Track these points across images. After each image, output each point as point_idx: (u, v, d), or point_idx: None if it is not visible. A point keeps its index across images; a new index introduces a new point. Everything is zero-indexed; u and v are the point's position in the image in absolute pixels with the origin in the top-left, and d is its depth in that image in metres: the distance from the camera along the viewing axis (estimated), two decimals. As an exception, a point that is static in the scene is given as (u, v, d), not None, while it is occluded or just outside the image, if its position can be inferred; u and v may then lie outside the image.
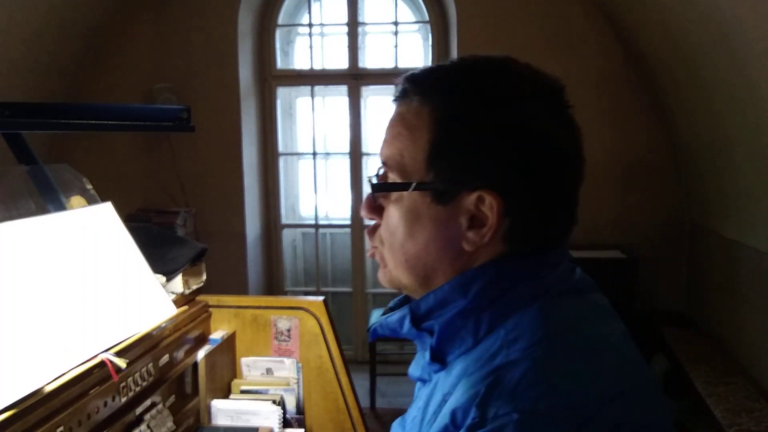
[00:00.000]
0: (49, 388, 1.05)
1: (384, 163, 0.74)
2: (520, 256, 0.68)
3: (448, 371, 0.68)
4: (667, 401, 0.67)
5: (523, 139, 0.65)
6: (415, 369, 0.77)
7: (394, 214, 0.72)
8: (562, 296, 0.68)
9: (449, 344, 0.68)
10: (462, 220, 0.68)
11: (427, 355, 0.70)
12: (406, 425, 0.79)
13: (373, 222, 0.77)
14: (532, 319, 0.63)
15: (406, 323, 0.71)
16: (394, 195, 0.72)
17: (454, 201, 0.67)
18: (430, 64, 0.79)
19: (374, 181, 0.75)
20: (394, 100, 0.74)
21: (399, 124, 0.71)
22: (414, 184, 0.69)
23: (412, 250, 0.71)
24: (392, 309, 0.77)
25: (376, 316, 3.90)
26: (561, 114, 0.69)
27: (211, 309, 1.67)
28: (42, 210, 1.36)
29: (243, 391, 1.65)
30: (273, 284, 4.63)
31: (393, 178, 0.72)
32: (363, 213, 0.76)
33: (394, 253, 0.73)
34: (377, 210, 0.75)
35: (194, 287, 1.65)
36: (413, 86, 0.71)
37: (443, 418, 0.61)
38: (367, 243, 0.77)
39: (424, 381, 0.76)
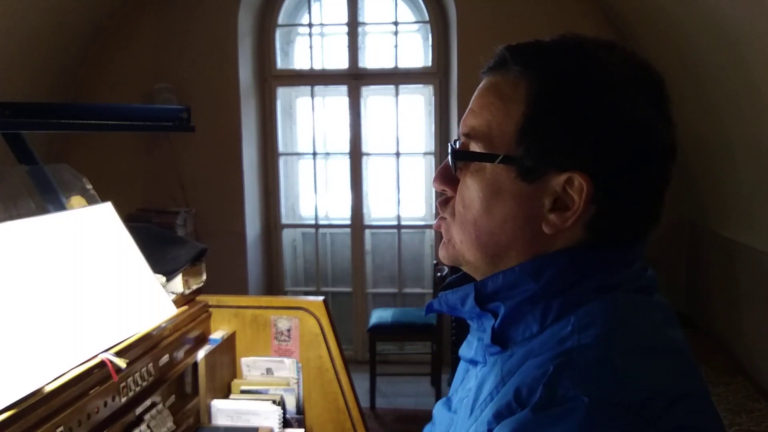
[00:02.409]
0: (49, 388, 1.05)
1: (467, 135, 0.69)
2: (597, 248, 0.65)
3: (508, 354, 0.66)
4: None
5: (623, 126, 0.62)
6: (467, 350, 0.75)
7: (472, 186, 0.68)
8: (635, 293, 0.66)
9: (513, 328, 0.65)
10: (546, 200, 0.64)
11: (487, 337, 0.67)
12: (453, 405, 0.77)
13: (447, 193, 0.73)
14: (606, 310, 0.62)
15: (470, 301, 0.68)
16: (475, 166, 0.68)
17: (541, 179, 0.64)
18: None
19: (455, 148, 0.70)
20: (488, 70, 0.70)
21: (492, 93, 0.68)
22: (501, 157, 0.65)
23: (486, 226, 0.67)
24: (451, 284, 0.74)
25: (376, 316, 3.90)
26: (662, 107, 0.67)
27: (211, 309, 1.67)
28: (42, 210, 1.36)
29: (243, 391, 1.65)
30: (273, 284, 4.63)
31: (476, 149, 0.68)
32: (435, 183, 0.72)
33: (465, 227, 0.69)
34: (452, 181, 0.71)
35: (194, 287, 1.65)
36: (514, 56, 0.67)
37: (505, 395, 0.59)
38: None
39: (476, 363, 0.72)
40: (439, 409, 0.81)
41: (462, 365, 0.79)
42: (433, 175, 0.74)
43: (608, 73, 0.64)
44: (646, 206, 0.67)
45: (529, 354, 0.62)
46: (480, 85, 0.70)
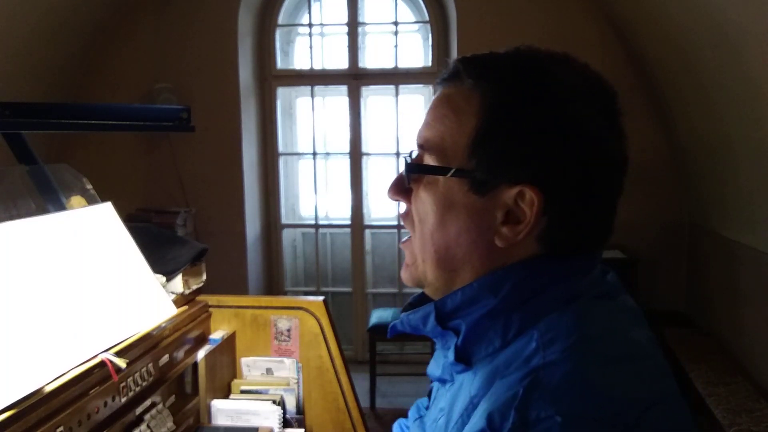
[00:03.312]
0: (49, 388, 1.05)
1: (421, 146, 0.70)
2: (553, 258, 0.65)
3: (473, 372, 0.66)
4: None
5: (574, 138, 0.63)
6: (434, 369, 0.74)
7: (425, 199, 0.68)
8: (596, 300, 0.65)
9: (476, 345, 0.65)
10: (498, 213, 0.65)
11: (451, 354, 0.67)
12: (426, 428, 0.76)
13: (404, 206, 0.73)
14: (568, 322, 0.61)
15: (431, 321, 0.68)
16: (428, 178, 0.68)
17: (492, 192, 0.64)
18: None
19: (409, 161, 0.71)
20: (442, 80, 0.70)
21: (445, 105, 0.68)
22: (453, 170, 0.65)
23: (442, 240, 0.67)
24: (413, 305, 0.74)
25: (376, 316, 3.90)
26: (614, 119, 0.67)
27: (211, 309, 1.67)
28: (42, 210, 1.36)
29: (243, 391, 1.65)
30: (273, 284, 4.63)
31: (430, 161, 0.68)
32: (389, 193, 0.73)
33: (424, 243, 0.69)
34: (406, 192, 0.71)
35: (194, 287, 1.65)
36: (467, 68, 0.67)
37: (479, 421, 0.57)
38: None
39: (444, 381, 0.72)
40: (414, 430, 0.81)
41: (434, 384, 0.78)
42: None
43: (560, 87, 0.64)
44: (598, 218, 0.67)
45: (495, 373, 0.62)
46: (435, 96, 0.71)
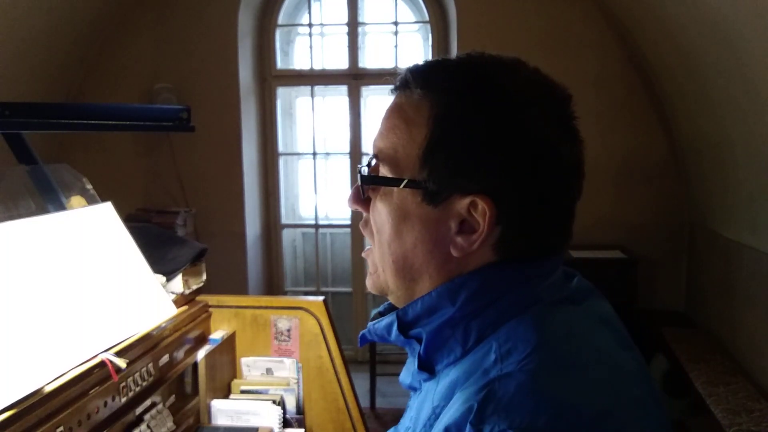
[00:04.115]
0: (49, 388, 1.05)
1: (376, 155, 0.70)
2: (510, 265, 0.65)
3: (436, 381, 0.66)
4: (664, 407, 0.65)
5: (524, 147, 0.62)
6: (405, 376, 0.74)
7: (381, 210, 0.69)
8: (556, 306, 0.65)
9: (437, 353, 0.66)
10: (452, 223, 0.65)
11: (415, 363, 0.67)
12: None
13: (364, 216, 0.73)
14: (526, 329, 0.61)
15: (394, 330, 0.68)
16: (383, 189, 0.68)
17: (445, 203, 0.64)
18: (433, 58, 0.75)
19: (364, 171, 0.71)
20: (394, 89, 0.70)
21: (396, 115, 0.68)
22: (405, 181, 0.66)
23: (399, 250, 0.68)
24: (381, 314, 0.75)
25: (376, 316, 3.90)
26: (566, 124, 0.66)
27: (211, 309, 1.67)
28: (42, 210, 1.36)
29: (243, 391, 1.65)
30: (273, 284, 4.63)
31: (384, 171, 0.68)
32: (348, 203, 0.73)
33: (383, 253, 0.70)
34: (364, 202, 0.72)
35: (194, 287, 1.65)
36: (416, 78, 0.67)
37: None
38: (368, 243, 0.75)
39: (414, 389, 0.73)
40: None
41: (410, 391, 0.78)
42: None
43: (509, 95, 0.64)
44: (554, 224, 0.66)
45: (456, 383, 0.62)
46: (388, 105, 0.70)
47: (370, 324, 0.73)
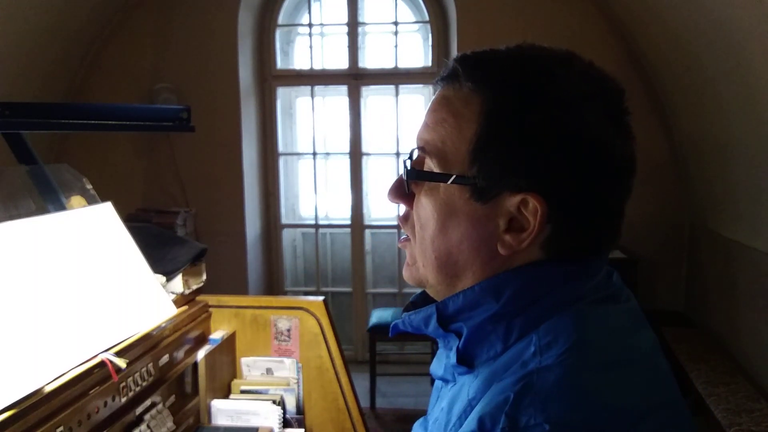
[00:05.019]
0: (49, 388, 1.05)
1: (422, 148, 0.67)
2: (556, 263, 0.63)
3: (474, 375, 0.65)
4: (690, 413, 0.65)
5: (578, 144, 0.60)
6: (437, 367, 0.73)
7: (426, 205, 0.66)
8: (598, 304, 0.64)
9: (477, 348, 0.64)
10: (500, 221, 0.63)
11: (453, 357, 0.66)
12: (429, 426, 0.75)
13: (404, 209, 0.71)
14: (567, 324, 0.60)
15: (432, 322, 0.67)
16: (429, 184, 0.66)
17: (494, 200, 0.62)
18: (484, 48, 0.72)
19: (408, 164, 0.68)
20: (440, 80, 0.67)
21: (444, 108, 0.65)
22: (454, 177, 0.63)
23: (443, 246, 0.66)
24: (414, 304, 0.73)
25: (376, 316, 3.90)
26: (620, 121, 0.64)
27: (211, 309, 1.67)
28: (42, 210, 1.36)
29: (243, 391, 1.65)
30: (273, 284, 4.63)
31: (430, 165, 0.66)
32: (389, 197, 0.71)
33: (425, 249, 0.68)
34: (407, 196, 0.69)
35: (194, 287, 1.65)
36: (466, 70, 0.64)
37: (470, 423, 0.57)
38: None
39: (446, 381, 0.71)
40: (416, 429, 0.80)
41: (437, 382, 0.77)
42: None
43: (563, 90, 0.62)
44: (604, 223, 0.65)
45: (494, 376, 0.61)
46: (434, 97, 0.68)
47: (404, 314, 0.71)
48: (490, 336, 0.63)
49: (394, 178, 0.71)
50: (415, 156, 0.69)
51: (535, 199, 0.61)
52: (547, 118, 0.60)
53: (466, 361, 0.65)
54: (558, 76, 0.63)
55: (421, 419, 0.81)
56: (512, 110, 0.61)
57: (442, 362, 0.71)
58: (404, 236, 0.73)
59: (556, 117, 0.60)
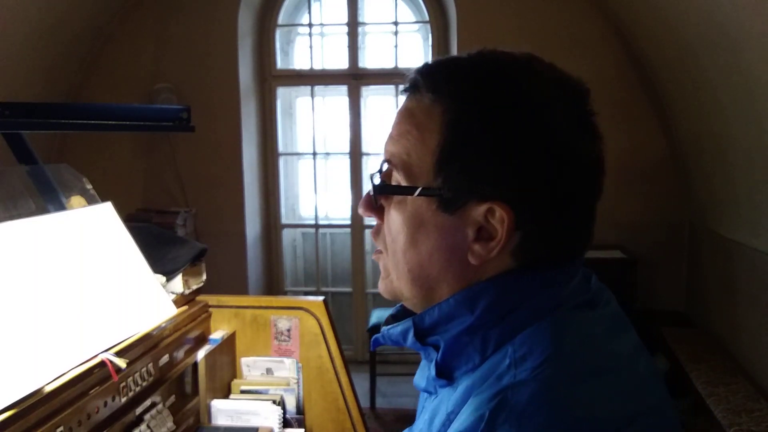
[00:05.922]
0: (49, 388, 1.05)
1: (388, 161, 0.67)
2: (530, 271, 0.63)
3: (453, 387, 0.64)
4: (677, 414, 0.64)
5: (542, 150, 0.60)
6: (420, 379, 0.72)
7: (395, 218, 0.66)
8: (575, 311, 0.63)
9: (455, 361, 0.64)
10: (469, 231, 0.62)
11: (433, 370, 0.66)
12: None
13: (376, 222, 0.71)
14: (543, 335, 0.59)
15: (410, 337, 0.66)
16: (397, 197, 0.66)
17: (461, 210, 0.62)
18: (446, 56, 0.72)
19: (376, 179, 0.69)
20: (404, 91, 0.67)
21: (408, 121, 0.65)
22: (419, 189, 0.63)
23: (415, 259, 0.66)
24: (395, 317, 0.73)
25: (376, 316, 3.90)
26: (585, 122, 0.63)
27: (211, 309, 1.67)
28: (42, 210, 1.36)
29: (243, 391, 1.65)
30: (273, 284, 4.63)
31: (397, 177, 0.66)
32: (360, 210, 0.70)
33: (397, 262, 0.67)
34: (377, 210, 0.69)
35: (194, 287, 1.65)
36: (426, 81, 0.64)
37: None
38: (368, 243, 0.74)
39: (429, 393, 0.71)
40: None
41: (422, 393, 0.77)
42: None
43: (524, 96, 0.61)
44: (575, 226, 0.64)
45: (471, 389, 0.60)
46: (399, 108, 0.68)
47: (384, 329, 0.71)
48: (467, 348, 0.63)
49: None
50: (385, 168, 0.69)
51: (501, 207, 0.60)
52: (509, 124, 0.60)
53: (445, 374, 0.65)
54: (519, 81, 0.62)
55: (406, 430, 0.81)
56: (473, 119, 0.61)
57: (424, 374, 0.71)
58: (377, 248, 0.72)
59: (518, 123, 0.60)
